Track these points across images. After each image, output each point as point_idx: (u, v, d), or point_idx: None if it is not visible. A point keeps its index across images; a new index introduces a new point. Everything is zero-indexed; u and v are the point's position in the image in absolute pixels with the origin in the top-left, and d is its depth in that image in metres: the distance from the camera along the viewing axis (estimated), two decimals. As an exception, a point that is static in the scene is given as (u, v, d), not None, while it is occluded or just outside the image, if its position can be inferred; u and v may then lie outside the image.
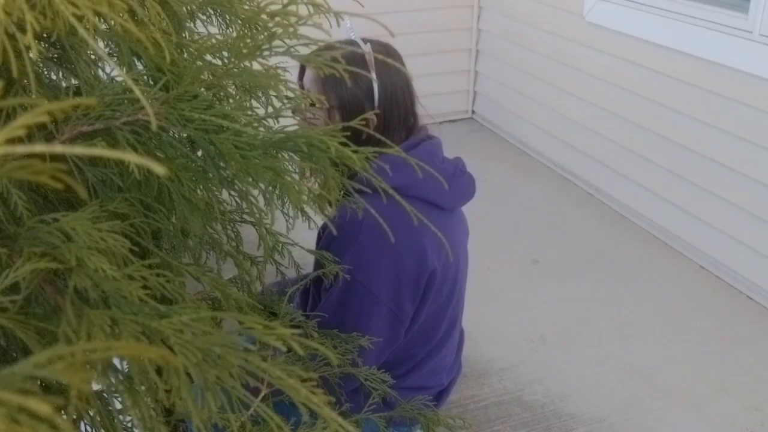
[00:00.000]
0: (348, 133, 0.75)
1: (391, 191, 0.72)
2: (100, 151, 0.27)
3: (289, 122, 0.78)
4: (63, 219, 0.50)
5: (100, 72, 0.65)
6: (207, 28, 0.91)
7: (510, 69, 3.84)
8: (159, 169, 0.27)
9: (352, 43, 1.35)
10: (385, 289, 1.29)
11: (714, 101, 2.57)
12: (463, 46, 4.12)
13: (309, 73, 1.36)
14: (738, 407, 2.09)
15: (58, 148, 0.31)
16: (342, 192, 1.05)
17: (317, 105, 1.31)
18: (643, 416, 2.06)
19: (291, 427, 0.87)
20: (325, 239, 1.35)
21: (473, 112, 4.32)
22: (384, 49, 1.35)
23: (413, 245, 1.29)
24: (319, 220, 1.20)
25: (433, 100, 4.22)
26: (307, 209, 1.03)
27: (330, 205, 1.19)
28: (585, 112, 3.29)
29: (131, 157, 0.27)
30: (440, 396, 1.66)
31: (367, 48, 1.32)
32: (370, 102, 1.32)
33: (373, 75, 1.29)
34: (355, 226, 1.27)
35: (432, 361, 1.56)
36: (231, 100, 0.70)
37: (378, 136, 1.11)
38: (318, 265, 1.34)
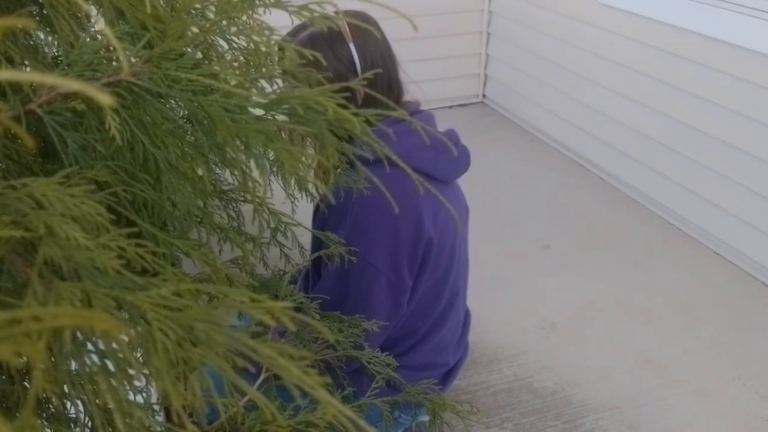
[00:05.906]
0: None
1: (394, 158, 0.66)
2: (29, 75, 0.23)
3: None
4: (32, 184, 0.46)
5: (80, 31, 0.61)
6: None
7: (522, 52, 3.77)
8: (105, 99, 0.23)
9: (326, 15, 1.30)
10: (382, 258, 1.28)
11: (730, 83, 2.51)
12: (474, 29, 4.05)
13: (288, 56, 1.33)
14: (752, 395, 2.04)
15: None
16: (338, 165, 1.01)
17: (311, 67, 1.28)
18: (654, 404, 2.02)
19: (290, 413, 0.84)
20: (320, 216, 1.33)
21: (484, 96, 4.26)
22: (359, 16, 1.32)
23: (409, 213, 1.27)
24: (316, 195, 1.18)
25: (444, 84, 4.20)
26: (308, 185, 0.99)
27: (328, 174, 1.16)
28: (598, 96, 3.23)
29: (72, 84, 0.23)
30: (447, 377, 1.64)
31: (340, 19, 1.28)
32: (353, 74, 1.29)
33: (352, 46, 1.26)
34: (349, 198, 1.25)
35: (436, 337, 1.54)
36: (219, 59, 0.65)
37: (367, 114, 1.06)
38: (315, 243, 1.32)
